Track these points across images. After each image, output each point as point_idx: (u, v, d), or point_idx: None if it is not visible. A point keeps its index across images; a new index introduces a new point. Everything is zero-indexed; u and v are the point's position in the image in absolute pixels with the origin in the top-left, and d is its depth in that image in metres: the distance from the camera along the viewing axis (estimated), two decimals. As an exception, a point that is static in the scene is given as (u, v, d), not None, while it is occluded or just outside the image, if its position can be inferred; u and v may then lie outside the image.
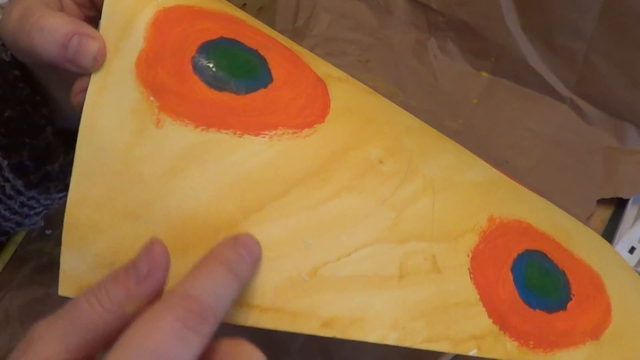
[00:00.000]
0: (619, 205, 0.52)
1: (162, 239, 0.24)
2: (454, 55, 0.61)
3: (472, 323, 0.27)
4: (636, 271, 0.46)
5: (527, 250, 0.30)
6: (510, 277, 0.29)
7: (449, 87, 0.60)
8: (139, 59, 0.25)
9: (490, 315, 0.27)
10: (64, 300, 0.24)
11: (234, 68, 0.27)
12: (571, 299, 0.30)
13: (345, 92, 0.30)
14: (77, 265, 0.24)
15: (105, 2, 0.26)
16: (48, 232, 0.46)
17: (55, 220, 0.45)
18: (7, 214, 0.33)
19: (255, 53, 0.28)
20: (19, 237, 0.46)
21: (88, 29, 0.25)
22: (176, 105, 0.25)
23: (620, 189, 0.52)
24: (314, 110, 0.28)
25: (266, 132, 0.26)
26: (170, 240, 0.24)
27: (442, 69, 0.61)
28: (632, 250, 0.48)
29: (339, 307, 0.25)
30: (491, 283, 0.28)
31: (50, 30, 0.25)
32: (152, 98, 0.25)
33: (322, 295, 0.25)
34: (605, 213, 0.51)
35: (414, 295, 0.26)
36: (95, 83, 0.25)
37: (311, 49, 0.62)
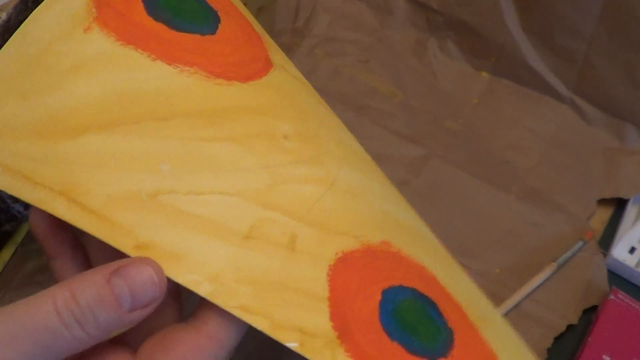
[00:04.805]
0: (619, 205, 0.52)
1: (36, 123, 0.24)
2: (454, 55, 0.61)
3: (305, 315, 0.24)
4: (636, 271, 0.46)
5: (415, 290, 0.28)
6: (378, 297, 0.26)
7: (449, 87, 0.60)
8: None
9: (332, 319, 0.25)
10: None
11: (180, 10, 0.28)
12: (445, 357, 0.27)
13: (288, 80, 0.31)
14: None
15: None
16: (48, 232, 0.46)
17: (55, 220, 0.45)
18: None
19: (210, 9, 0.29)
20: (19, 237, 0.46)
21: None
22: (110, 19, 0.27)
23: (620, 189, 0.52)
24: (239, 73, 0.28)
25: (180, 65, 0.27)
26: (41, 126, 0.25)
27: (442, 69, 0.61)
28: (632, 250, 0.48)
29: (162, 237, 0.23)
30: (350, 291, 0.26)
31: None
32: (93, 10, 0.27)
33: (151, 219, 0.24)
34: (605, 213, 0.51)
35: (252, 261, 0.24)
36: None
37: (311, 49, 0.62)
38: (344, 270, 0.26)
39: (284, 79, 0.31)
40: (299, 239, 0.26)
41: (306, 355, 0.24)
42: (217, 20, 0.29)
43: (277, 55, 0.32)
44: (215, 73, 0.28)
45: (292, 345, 0.24)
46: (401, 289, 0.27)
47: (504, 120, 0.57)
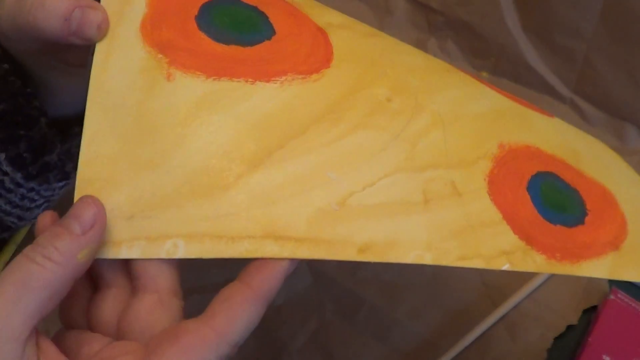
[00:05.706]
0: (619, 205, 0.52)
1: (184, 184, 0.24)
2: (454, 55, 0.61)
3: (499, 240, 0.28)
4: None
5: (539, 172, 0.31)
6: (528, 196, 0.30)
7: (449, 87, 0.60)
8: (143, 22, 0.26)
9: (515, 232, 0.28)
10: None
11: (237, 24, 0.28)
12: (587, 214, 0.31)
13: (347, 38, 0.32)
14: None
15: None
16: (48, 232, 0.45)
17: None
18: (8, 207, 0.33)
19: (255, 9, 0.29)
20: (19, 237, 0.46)
21: (88, 0, 0.26)
22: (185, 59, 0.26)
23: (620, 189, 0.52)
24: (318, 57, 0.29)
25: (277, 78, 0.27)
26: (192, 185, 0.24)
27: (442, 69, 0.61)
28: (632, 250, 0.48)
29: (372, 233, 0.26)
30: (510, 203, 0.29)
31: (52, 5, 0.25)
32: (160, 55, 0.26)
33: (355, 223, 0.26)
34: (605, 213, 0.51)
35: (441, 218, 0.27)
36: (101, 49, 0.26)
37: (311, 49, 0.62)
38: (497, 189, 0.29)
39: (342, 40, 0.31)
40: (457, 183, 0.28)
41: (517, 269, 0.27)
42: (265, 16, 0.29)
43: (319, 17, 0.32)
44: (305, 71, 0.28)
45: (506, 267, 0.27)
46: (533, 178, 0.31)
47: (504, 120, 0.57)
